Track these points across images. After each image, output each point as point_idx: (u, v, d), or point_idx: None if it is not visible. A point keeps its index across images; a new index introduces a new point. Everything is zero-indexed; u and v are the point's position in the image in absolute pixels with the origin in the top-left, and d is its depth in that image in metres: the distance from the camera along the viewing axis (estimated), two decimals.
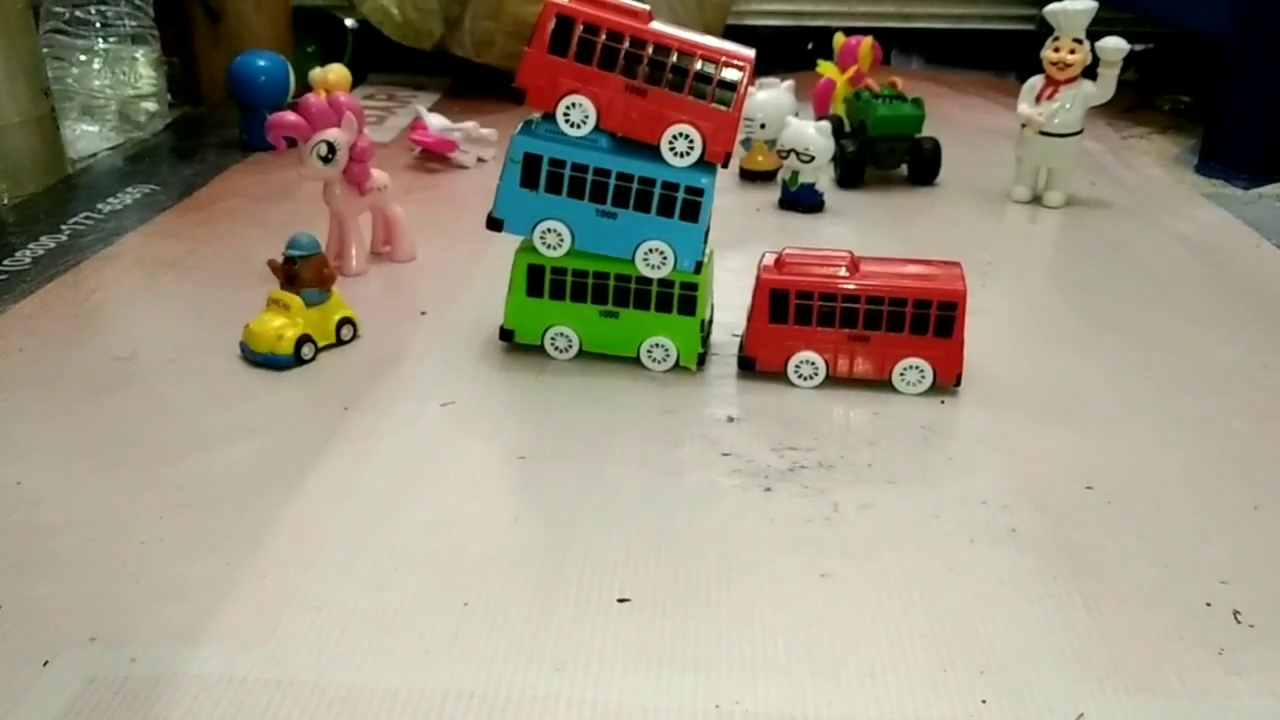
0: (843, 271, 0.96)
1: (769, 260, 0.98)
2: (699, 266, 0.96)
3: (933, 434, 0.91)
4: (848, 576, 0.73)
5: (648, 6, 0.94)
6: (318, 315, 1.01)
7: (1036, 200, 1.49)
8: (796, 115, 1.45)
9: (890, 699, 0.62)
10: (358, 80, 1.37)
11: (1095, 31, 1.39)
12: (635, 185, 0.94)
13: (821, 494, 0.82)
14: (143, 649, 0.65)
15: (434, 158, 1.60)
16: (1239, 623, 0.69)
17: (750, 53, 0.94)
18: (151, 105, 1.74)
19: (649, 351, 0.99)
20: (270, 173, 1.54)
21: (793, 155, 1.40)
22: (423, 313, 1.11)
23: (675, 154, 0.93)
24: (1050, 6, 1.39)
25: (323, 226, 1.18)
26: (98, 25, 1.68)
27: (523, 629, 0.67)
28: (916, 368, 0.96)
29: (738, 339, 1.02)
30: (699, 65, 0.92)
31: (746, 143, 1.55)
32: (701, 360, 1.00)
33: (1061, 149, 1.44)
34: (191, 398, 0.94)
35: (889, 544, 0.76)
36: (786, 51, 2.03)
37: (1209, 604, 0.71)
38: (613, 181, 0.94)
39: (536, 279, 0.99)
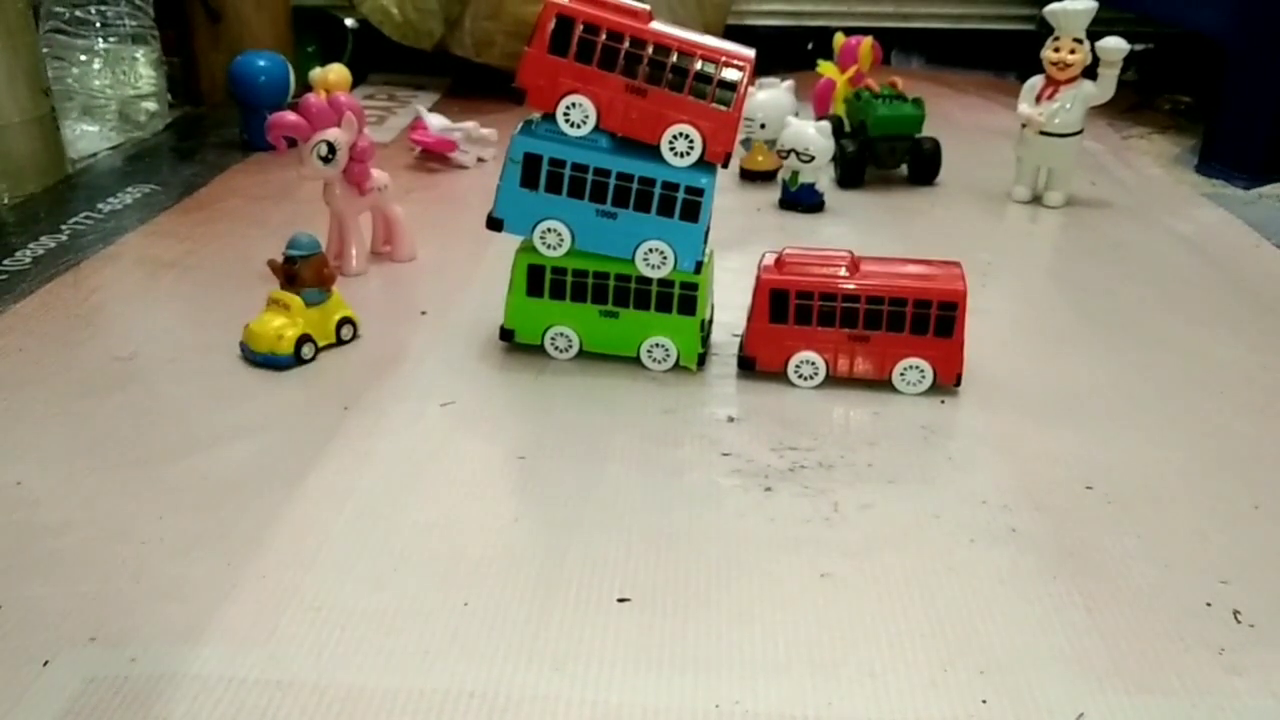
0: (843, 271, 0.96)
1: (769, 260, 0.98)
2: (699, 266, 0.96)
3: (933, 434, 0.91)
4: (848, 576, 0.73)
5: (648, 6, 0.94)
6: (318, 315, 1.01)
7: (1036, 200, 1.49)
8: (796, 115, 1.45)
9: (890, 699, 0.62)
10: (358, 80, 1.37)
11: (1095, 31, 1.39)
12: (635, 185, 0.94)
13: (821, 494, 0.82)
14: (143, 649, 0.65)
15: (434, 158, 1.60)
16: (1239, 623, 0.69)
17: (750, 53, 0.94)
18: (151, 105, 1.75)
19: (649, 351, 0.99)
20: (270, 173, 1.54)
21: (793, 155, 1.40)
22: (423, 313, 1.11)
23: (675, 154, 0.93)
24: (1050, 6, 1.39)
25: (323, 226, 1.18)
26: (98, 25, 1.68)
27: (523, 629, 0.67)
28: (916, 368, 0.96)
29: (738, 339, 1.02)
30: (699, 65, 0.92)
31: (746, 143, 1.55)
32: (701, 360, 1.00)
33: (1061, 149, 1.44)
34: (191, 398, 0.94)
35: (889, 544, 0.76)
36: (786, 51, 2.03)
37: (1209, 604, 0.71)
38: (613, 181, 0.94)
39: (536, 279, 0.99)
